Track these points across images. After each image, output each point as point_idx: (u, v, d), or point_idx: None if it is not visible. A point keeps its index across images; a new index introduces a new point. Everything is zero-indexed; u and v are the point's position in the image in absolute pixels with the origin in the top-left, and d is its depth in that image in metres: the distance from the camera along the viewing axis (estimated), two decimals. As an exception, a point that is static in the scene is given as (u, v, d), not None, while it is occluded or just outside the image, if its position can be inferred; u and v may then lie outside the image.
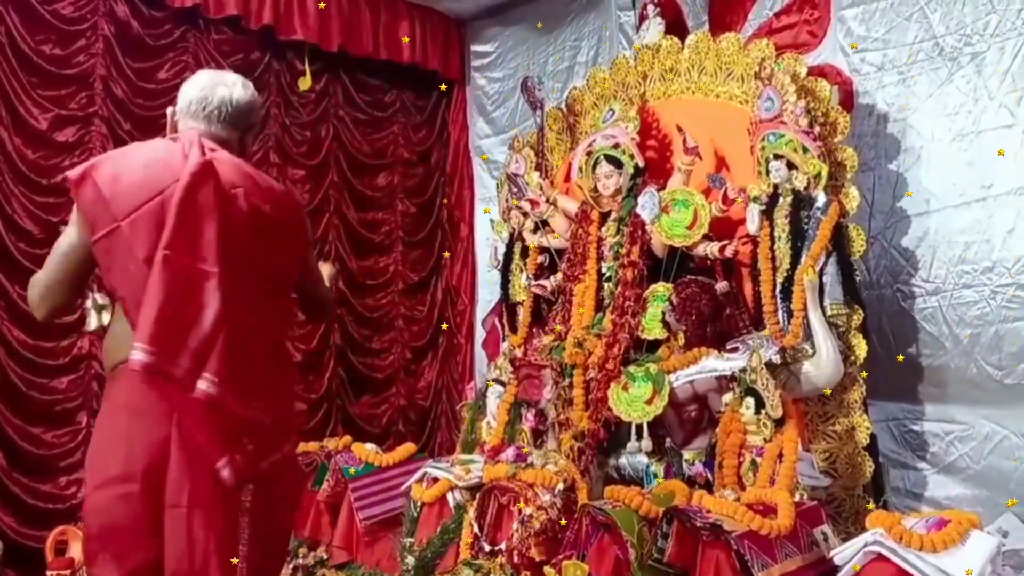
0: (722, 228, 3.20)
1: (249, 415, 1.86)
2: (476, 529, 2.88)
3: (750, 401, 2.66)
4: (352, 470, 3.37)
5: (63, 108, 3.86)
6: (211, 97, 2.06)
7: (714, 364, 2.89)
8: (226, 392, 1.78)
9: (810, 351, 2.86)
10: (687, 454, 2.95)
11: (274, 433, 1.91)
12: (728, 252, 3.12)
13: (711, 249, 3.14)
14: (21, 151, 3.75)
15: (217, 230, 1.80)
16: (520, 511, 2.75)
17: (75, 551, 3.32)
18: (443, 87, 4.98)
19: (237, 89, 2.08)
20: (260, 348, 1.91)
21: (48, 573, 3.27)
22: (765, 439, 2.63)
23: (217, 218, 1.81)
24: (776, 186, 3.03)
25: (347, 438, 3.63)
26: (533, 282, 3.72)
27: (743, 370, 2.72)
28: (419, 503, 3.17)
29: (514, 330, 3.81)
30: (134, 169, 1.86)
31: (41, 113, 3.81)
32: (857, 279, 2.98)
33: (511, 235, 3.88)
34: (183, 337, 1.75)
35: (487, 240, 4.55)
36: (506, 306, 3.89)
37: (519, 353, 3.62)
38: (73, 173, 1.86)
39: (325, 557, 3.40)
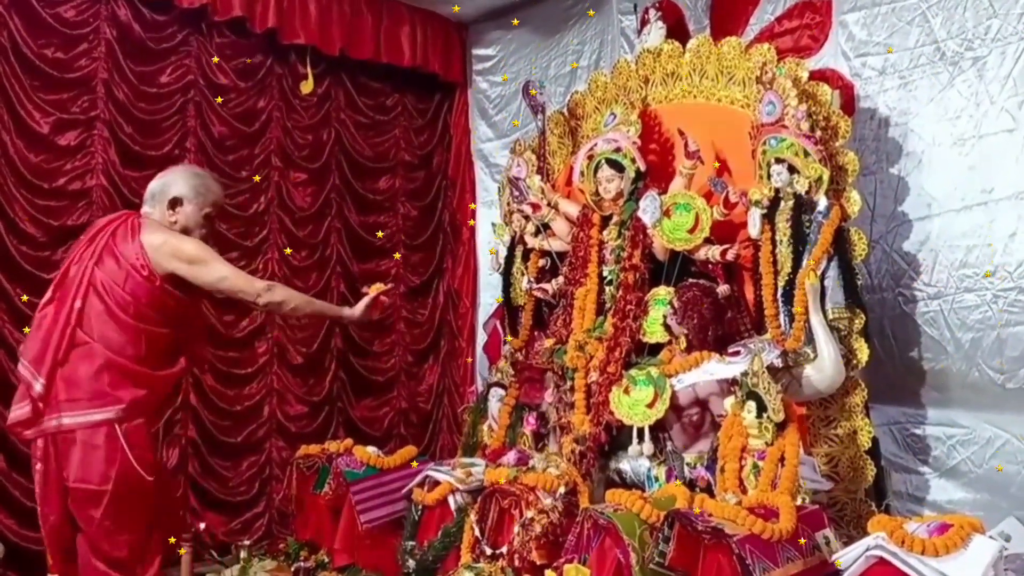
0: (723, 232, 3.21)
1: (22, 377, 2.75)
2: (477, 532, 2.88)
3: (752, 405, 2.66)
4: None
5: (65, 112, 3.87)
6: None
7: (716, 368, 2.89)
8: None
9: (812, 355, 2.86)
10: (688, 458, 2.95)
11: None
12: (729, 256, 3.12)
13: (712, 253, 3.14)
14: (23, 154, 3.75)
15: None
16: (521, 514, 2.75)
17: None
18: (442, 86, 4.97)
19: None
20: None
21: (49, 576, 3.28)
22: (767, 443, 2.63)
23: None
24: (778, 190, 3.03)
25: (348, 441, 3.63)
26: (534, 285, 3.72)
27: (745, 374, 2.72)
28: (420, 506, 3.17)
29: (515, 333, 3.81)
30: None
31: (43, 117, 3.81)
32: (859, 283, 2.98)
33: (513, 238, 3.88)
34: None
35: (488, 243, 4.55)
36: (507, 309, 3.89)
37: (520, 356, 3.62)
38: None
39: (326, 560, 3.40)
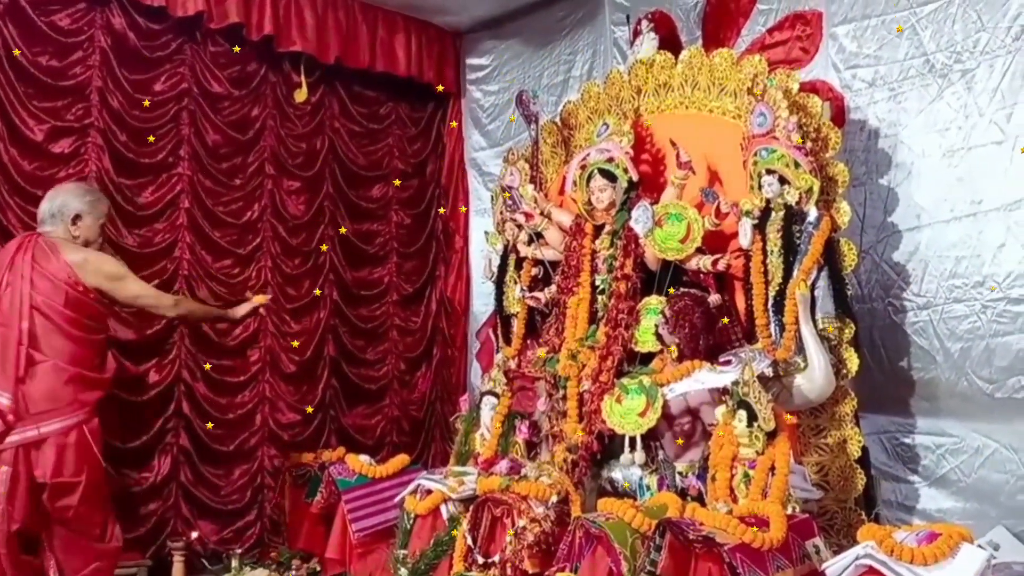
0: (715, 242, 3.23)
1: None
2: (469, 541, 2.88)
3: (742, 414, 2.68)
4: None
5: (59, 119, 3.87)
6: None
7: (707, 377, 2.91)
8: None
9: (802, 364, 2.88)
10: (680, 466, 2.96)
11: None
12: (721, 266, 3.14)
13: (704, 262, 3.16)
14: (17, 162, 3.75)
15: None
16: (514, 523, 2.75)
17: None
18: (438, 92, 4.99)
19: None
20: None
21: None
22: (757, 452, 2.65)
23: None
24: (768, 201, 3.06)
25: (341, 449, 3.64)
26: (527, 294, 3.73)
27: (735, 383, 2.74)
28: (412, 515, 3.18)
29: (508, 342, 3.82)
30: None
31: (37, 124, 3.81)
32: (848, 293, 3.01)
33: (505, 247, 3.90)
34: None
35: (481, 252, 4.57)
36: (500, 318, 3.90)
37: (513, 365, 3.63)
38: None
39: (318, 568, 3.40)
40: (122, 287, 3.30)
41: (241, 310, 3.76)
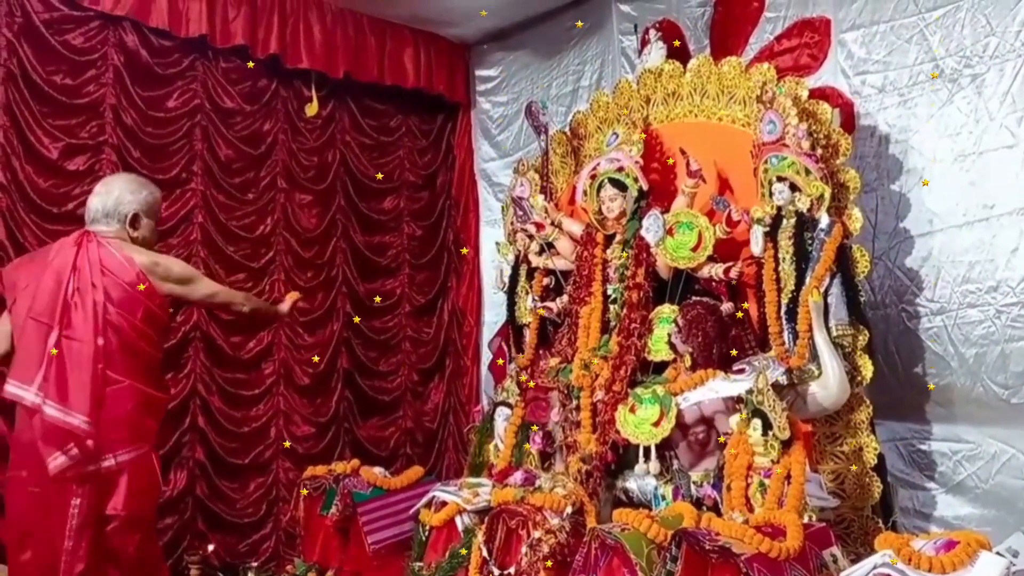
0: (726, 250, 3.22)
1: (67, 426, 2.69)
2: (485, 553, 2.88)
3: (757, 422, 2.66)
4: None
5: (74, 137, 3.92)
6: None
7: (721, 386, 2.90)
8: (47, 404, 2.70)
9: (816, 372, 2.87)
10: (695, 476, 2.95)
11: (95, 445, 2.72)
12: (733, 274, 3.13)
13: (716, 271, 3.16)
14: (32, 180, 3.80)
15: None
16: (529, 535, 2.75)
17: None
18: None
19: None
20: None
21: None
22: (773, 460, 2.63)
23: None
24: (779, 208, 3.05)
25: (355, 461, 3.64)
26: (539, 304, 3.74)
27: (750, 391, 2.73)
28: (427, 527, 3.17)
29: (520, 352, 3.82)
30: None
31: (52, 142, 3.86)
32: (862, 300, 2.99)
33: (517, 257, 3.90)
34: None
35: (492, 262, 4.58)
36: (512, 328, 3.90)
37: (526, 375, 3.63)
38: None
39: (334, 582, 3.40)
40: (197, 288, 3.03)
41: (284, 306, 3.55)
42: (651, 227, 3.26)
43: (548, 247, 3.72)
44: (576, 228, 3.66)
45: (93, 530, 2.73)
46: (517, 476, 3.13)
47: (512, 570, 2.78)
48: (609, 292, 3.44)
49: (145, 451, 2.85)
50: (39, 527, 2.74)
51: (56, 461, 2.71)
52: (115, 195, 2.98)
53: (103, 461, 2.76)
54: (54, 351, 2.75)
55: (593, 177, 3.49)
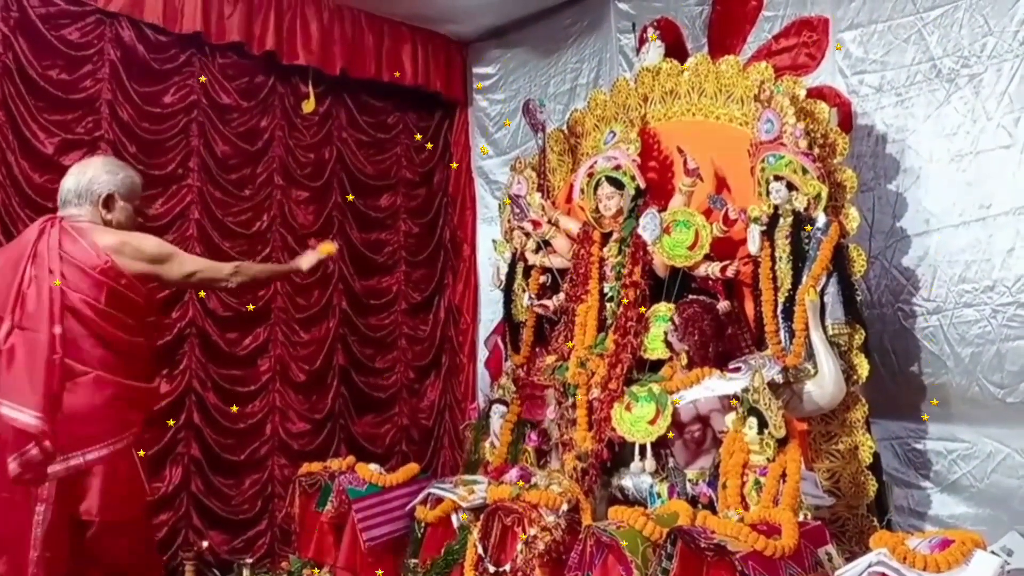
0: (723, 248, 3.23)
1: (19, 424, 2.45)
2: (480, 550, 2.88)
3: (753, 421, 2.67)
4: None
5: (69, 132, 3.90)
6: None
7: (717, 384, 2.90)
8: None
9: (812, 371, 2.87)
10: (691, 474, 2.95)
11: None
12: (729, 272, 3.14)
13: (712, 269, 3.16)
14: (28, 175, 3.78)
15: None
16: (524, 532, 2.75)
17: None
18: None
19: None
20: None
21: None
22: (768, 459, 2.64)
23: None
24: (776, 207, 3.05)
25: (351, 458, 3.63)
26: (535, 302, 3.74)
27: (746, 390, 2.73)
28: (423, 524, 3.18)
29: (517, 350, 3.82)
30: None
31: (48, 137, 3.85)
32: (858, 299, 3.00)
33: (513, 255, 3.90)
34: None
35: (489, 260, 4.58)
36: (509, 326, 3.91)
37: (522, 373, 3.63)
38: None
39: (329, 578, 3.40)
40: (173, 267, 2.73)
41: (306, 261, 3.18)
42: (648, 225, 3.26)
43: (545, 245, 3.72)
44: (573, 226, 3.66)
45: (64, 538, 2.48)
46: (513, 473, 3.13)
47: (507, 567, 2.78)
48: (606, 290, 3.45)
49: (121, 447, 2.56)
50: (7, 535, 2.50)
51: (12, 463, 2.46)
52: (89, 175, 2.76)
53: (69, 460, 2.48)
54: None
55: (590, 175, 3.49)
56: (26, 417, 2.46)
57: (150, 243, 2.75)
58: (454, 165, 5.13)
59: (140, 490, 2.65)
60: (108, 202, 2.74)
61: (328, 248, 3.24)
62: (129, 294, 2.64)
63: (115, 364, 2.60)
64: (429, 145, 5.04)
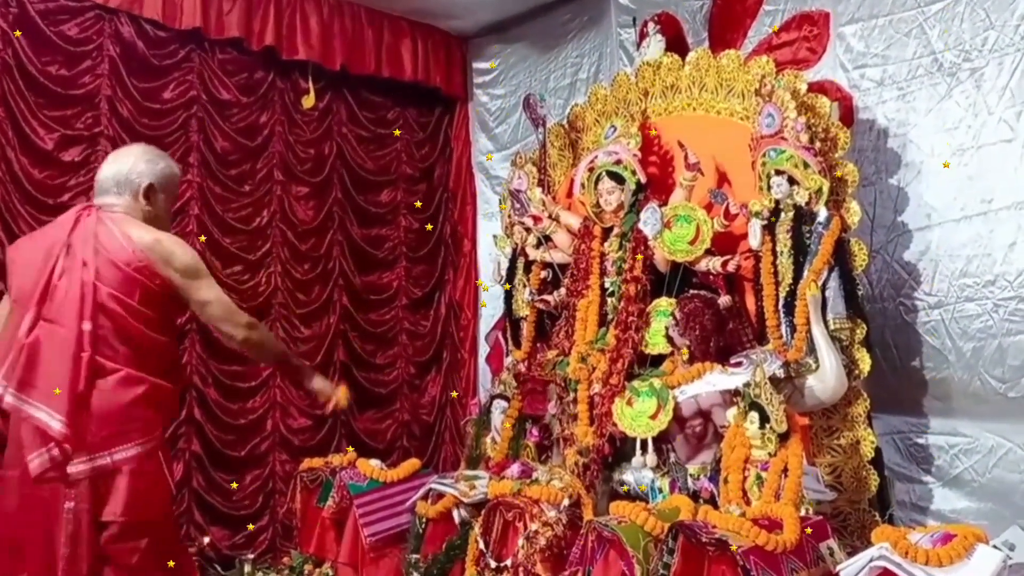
0: (724, 243, 3.22)
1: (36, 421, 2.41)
2: (482, 545, 2.88)
3: (754, 416, 2.67)
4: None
5: (69, 128, 3.89)
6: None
7: (718, 379, 2.90)
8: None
9: (813, 365, 2.87)
10: (692, 469, 2.95)
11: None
12: (730, 267, 3.13)
13: (713, 264, 3.16)
14: (27, 171, 3.78)
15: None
16: (526, 527, 2.75)
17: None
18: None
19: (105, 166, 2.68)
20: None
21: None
22: (770, 453, 2.64)
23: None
24: (778, 201, 3.05)
25: (352, 454, 3.63)
26: (536, 297, 3.73)
27: (747, 385, 2.73)
28: (424, 519, 3.18)
29: (518, 345, 3.82)
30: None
31: (47, 133, 3.84)
32: (859, 293, 2.99)
33: (514, 250, 3.90)
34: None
35: (490, 255, 4.57)
36: (509, 321, 3.90)
37: (523, 368, 3.63)
38: None
39: (331, 574, 3.40)
40: (196, 288, 2.55)
41: (318, 383, 2.83)
42: (649, 220, 3.26)
43: (546, 240, 3.72)
44: (574, 221, 3.65)
45: (92, 537, 2.41)
46: (514, 469, 3.13)
47: (509, 562, 2.78)
48: (607, 285, 3.44)
49: (150, 447, 2.48)
50: (33, 532, 2.44)
51: (34, 461, 2.39)
52: (129, 163, 2.61)
53: (95, 460, 2.40)
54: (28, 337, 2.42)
55: (591, 170, 3.49)
56: (48, 418, 2.39)
57: (184, 252, 2.56)
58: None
59: (166, 491, 2.58)
60: (149, 193, 2.60)
61: (342, 396, 2.88)
62: (160, 293, 2.53)
63: (143, 362, 2.50)
64: (397, 132, 4.92)
